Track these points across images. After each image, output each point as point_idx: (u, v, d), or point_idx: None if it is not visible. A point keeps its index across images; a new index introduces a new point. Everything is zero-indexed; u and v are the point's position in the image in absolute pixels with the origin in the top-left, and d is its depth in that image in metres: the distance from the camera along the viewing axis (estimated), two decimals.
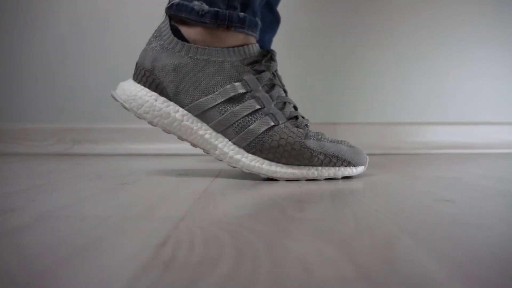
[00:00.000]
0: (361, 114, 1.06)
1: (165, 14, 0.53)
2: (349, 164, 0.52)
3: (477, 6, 1.07)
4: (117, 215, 0.32)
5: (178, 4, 0.52)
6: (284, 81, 1.09)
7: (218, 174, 0.57)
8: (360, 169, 0.53)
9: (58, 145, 1.02)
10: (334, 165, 0.51)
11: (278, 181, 0.50)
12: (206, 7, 0.51)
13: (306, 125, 0.53)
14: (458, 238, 0.26)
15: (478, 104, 1.08)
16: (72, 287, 0.18)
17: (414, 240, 0.25)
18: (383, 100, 1.06)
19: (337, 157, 0.51)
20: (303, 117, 0.54)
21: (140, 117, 0.51)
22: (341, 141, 0.53)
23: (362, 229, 0.27)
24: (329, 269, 0.20)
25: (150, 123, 0.51)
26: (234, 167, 0.51)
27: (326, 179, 0.52)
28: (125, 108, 0.52)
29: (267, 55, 0.53)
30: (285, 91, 0.55)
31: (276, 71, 0.54)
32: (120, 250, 0.23)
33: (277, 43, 1.10)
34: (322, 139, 0.52)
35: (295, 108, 0.55)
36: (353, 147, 0.53)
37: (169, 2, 0.53)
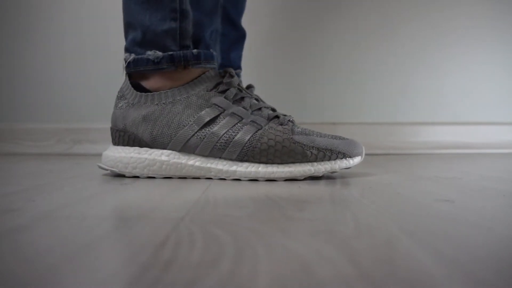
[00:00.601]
0: (361, 114, 1.06)
1: (124, 74, 0.57)
2: (345, 155, 0.51)
3: (477, 6, 1.07)
4: (117, 215, 0.32)
5: (134, 60, 0.55)
6: (284, 81, 1.09)
7: None
8: (357, 160, 0.52)
9: (58, 145, 1.02)
10: (329, 158, 0.50)
11: (277, 182, 0.50)
12: (159, 53, 0.53)
13: (289, 120, 0.53)
14: (458, 238, 0.26)
15: (478, 104, 1.08)
16: (72, 287, 0.18)
17: (414, 240, 0.25)
18: (383, 100, 1.06)
19: (331, 150, 0.50)
20: (284, 115, 0.54)
21: (131, 174, 0.53)
22: (332, 135, 0.53)
23: (362, 229, 0.27)
24: (329, 269, 0.20)
25: (142, 175, 0.53)
26: (235, 179, 0.51)
27: (325, 177, 0.52)
28: (115, 173, 0.54)
29: (225, 74, 0.55)
30: (257, 100, 0.56)
31: (239, 84, 0.56)
32: (120, 250, 0.23)
33: (277, 43, 1.10)
34: (311, 134, 0.52)
35: (273, 110, 0.55)
36: (346, 139, 0.52)
37: (125, 62, 0.56)
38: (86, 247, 0.24)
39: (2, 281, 0.19)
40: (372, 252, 0.23)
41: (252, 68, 1.00)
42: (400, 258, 0.22)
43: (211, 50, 0.57)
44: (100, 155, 0.97)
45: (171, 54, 0.53)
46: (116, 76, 1.03)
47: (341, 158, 0.51)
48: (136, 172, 0.53)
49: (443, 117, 1.07)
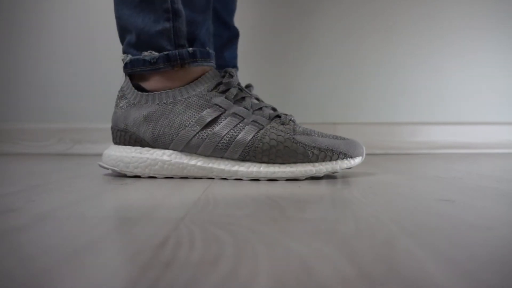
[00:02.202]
0: (361, 114, 1.06)
1: (124, 75, 0.57)
2: (346, 156, 0.51)
3: (477, 6, 1.07)
4: (117, 215, 0.32)
5: (131, 61, 0.55)
6: (284, 81, 1.09)
7: None
8: (358, 160, 0.52)
9: (58, 145, 1.02)
10: (330, 159, 0.51)
11: (278, 181, 0.50)
12: (156, 54, 0.54)
13: (291, 120, 0.54)
14: (458, 238, 0.26)
15: (478, 104, 1.08)
16: (72, 287, 0.18)
17: (414, 240, 0.25)
18: (383, 100, 1.06)
19: (332, 150, 0.51)
20: (285, 114, 0.55)
21: (132, 174, 0.53)
22: (333, 135, 0.53)
23: (362, 229, 0.27)
24: (329, 269, 0.20)
25: (144, 175, 0.53)
26: (237, 179, 0.52)
27: (325, 178, 0.52)
28: (116, 172, 0.54)
29: (225, 74, 0.56)
30: (257, 99, 0.56)
31: (239, 84, 0.56)
32: (120, 250, 0.23)
33: (276, 43, 1.10)
34: (312, 133, 0.52)
35: (274, 109, 0.56)
36: (347, 139, 0.53)
37: (123, 63, 0.56)
38: (86, 247, 0.24)
39: (2, 281, 0.19)
40: (372, 252, 0.23)
41: (252, 68, 1.00)
42: (400, 258, 0.22)
43: (207, 48, 0.57)
44: (100, 155, 0.97)
45: (167, 54, 0.54)
46: (116, 76, 1.03)
47: (342, 159, 0.51)
48: (138, 171, 0.53)
49: (443, 117, 1.07)
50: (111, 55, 1.02)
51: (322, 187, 0.46)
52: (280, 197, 0.39)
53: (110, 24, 1.09)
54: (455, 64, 1.07)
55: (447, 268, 0.20)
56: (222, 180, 0.51)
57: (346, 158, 0.51)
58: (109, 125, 1.03)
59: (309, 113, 1.05)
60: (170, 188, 0.45)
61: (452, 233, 0.26)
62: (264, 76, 1.03)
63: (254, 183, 0.50)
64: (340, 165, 0.51)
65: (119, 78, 1.04)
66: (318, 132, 0.53)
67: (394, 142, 1.03)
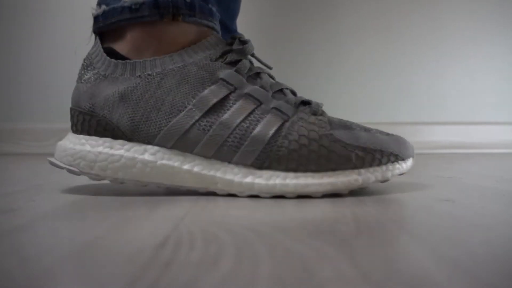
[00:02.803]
0: (361, 114, 1.06)
1: (94, 38, 0.43)
2: (397, 158, 0.38)
3: (477, 5, 1.07)
4: (117, 215, 0.32)
5: (104, 13, 0.41)
6: (283, 81, 1.09)
7: None
8: (409, 163, 0.40)
9: None
10: (380, 163, 0.37)
11: None
12: None
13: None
14: (458, 238, 0.26)
15: (478, 104, 1.08)
16: (72, 287, 0.18)
17: (414, 240, 0.25)
18: (383, 100, 1.06)
19: (381, 151, 0.37)
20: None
21: (98, 178, 0.39)
22: (375, 129, 0.40)
23: (362, 229, 0.27)
24: (329, 269, 0.20)
25: (115, 181, 0.38)
26: (251, 195, 0.38)
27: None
28: (74, 173, 0.39)
29: (233, 41, 0.41)
30: (272, 77, 0.42)
31: (253, 54, 0.42)
32: (120, 250, 0.23)
33: (275, 43, 1.10)
34: (352, 126, 0.39)
35: (293, 92, 0.42)
36: (392, 134, 0.40)
37: (94, 20, 0.42)
38: (86, 247, 0.24)
39: (2, 281, 0.19)
40: (372, 252, 0.23)
41: None
42: (400, 258, 0.22)
43: (209, 5, 0.42)
44: None
45: None
46: None
47: (393, 162, 0.38)
48: (107, 174, 0.38)
49: (443, 117, 1.07)
50: None
51: None
52: (280, 196, 0.39)
53: None
54: (455, 64, 1.07)
55: (447, 268, 0.20)
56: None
57: (398, 162, 0.38)
58: None
59: None
60: (170, 188, 0.45)
61: (452, 233, 0.26)
62: None
63: None
64: (391, 171, 0.38)
65: None
66: (356, 123, 0.40)
67: None
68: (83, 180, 0.51)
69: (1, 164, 0.75)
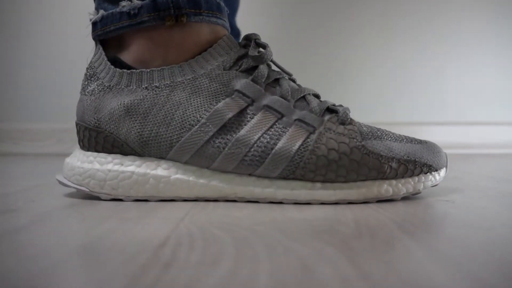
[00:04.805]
0: (361, 114, 1.06)
1: (94, 44, 0.40)
2: (430, 169, 0.36)
3: (477, 5, 1.07)
4: (117, 215, 0.32)
5: (102, 19, 0.38)
6: None
7: None
8: (443, 174, 0.38)
9: (58, 145, 1.02)
10: (412, 174, 0.36)
11: None
12: (137, 1, 0.36)
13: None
14: (458, 238, 0.26)
15: (478, 104, 1.08)
16: (72, 287, 0.18)
17: (414, 240, 0.25)
18: (382, 100, 1.06)
19: (414, 161, 0.35)
20: (340, 106, 0.38)
21: (109, 197, 0.36)
22: (405, 136, 0.38)
23: (362, 229, 0.27)
24: (329, 269, 0.20)
25: (128, 198, 0.36)
26: (272, 202, 0.36)
27: None
28: (85, 193, 0.37)
29: (247, 42, 0.37)
30: (293, 81, 0.39)
31: (272, 60, 0.38)
32: (120, 250, 0.23)
33: (274, 43, 1.10)
34: (383, 136, 0.36)
35: (316, 96, 0.38)
36: (424, 141, 0.38)
37: (92, 26, 0.40)
38: (86, 247, 0.24)
39: (2, 281, 0.19)
40: (372, 252, 0.23)
41: None
42: (400, 258, 0.22)
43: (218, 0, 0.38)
44: None
45: (154, 0, 0.36)
46: None
47: (426, 173, 0.36)
48: (118, 193, 0.36)
49: (443, 117, 1.07)
50: None
51: None
52: None
53: None
54: (455, 64, 1.07)
55: (447, 268, 0.20)
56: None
57: (431, 172, 0.36)
58: None
59: None
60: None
61: (452, 233, 0.26)
62: None
63: None
64: (424, 183, 0.36)
65: None
66: (386, 131, 0.37)
67: None
68: None
69: (1, 164, 0.75)
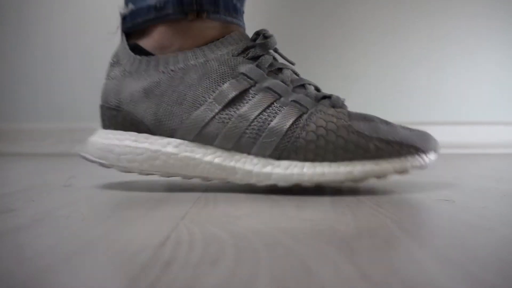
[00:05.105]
0: None
1: (120, 36, 0.45)
2: (418, 150, 0.38)
3: (477, 5, 1.07)
4: (117, 215, 0.32)
5: (132, 13, 0.43)
6: None
7: None
8: (432, 157, 0.39)
9: (58, 145, 1.02)
10: (399, 154, 0.37)
11: None
12: None
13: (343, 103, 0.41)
14: (458, 238, 0.26)
15: (478, 104, 1.08)
16: (72, 287, 0.18)
17: (414, 240, 0.25)
18: (382, 100, 1.06)
19: (401, 143, 0.37)
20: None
21: (126, 170, 0.41)
22: (399, 124, 0.40)
23: (362, 229, 0.27)
24: (329, 269, 0.20)
25: (142, 173, 0.40)
26: (269, 185, 0.39)
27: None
28: (104, 165, 0.41)
29: (257, 36, 0.42)
30: (296, 73, 0.43)
31: (276, 50, 0.43)
32: (120, 250, 0.23)
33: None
34: (373, 119, 0.39)
35: (317, 89, 0.43)
36: (416, 130, 0.40)
37: (121, 19, 0.44)
38: (86, 247, 0.24)
39: (2, 281, 0.19)
40: (372, 252, 0.23)
41: None
42: (400, 258, 0.22)
43: (233, 0, 0.43)
44: None
45: None
46: None
47: (414, 154, 0.38)
48: (133, 167, 0.40)
49: (443, 117, 1.07)
50: (111, 54, 1.02)
51: (322, 187, 0.46)
52: (280, 196, 0.39)
53: (109, 23, 1.09)
54: (454, 64, 1.07)
55: (447, 268, 0.20)
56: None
57: (418, 154, 0.38)
58: None
59: None
60: (170, 187, 0.45)
61: (452, 233, 0.26)
62: None
63: None
64: (411, 163, 0.38)
65: None
66: (379, 118, 0.40)
67: None
68: (83, 180, 0.51)
69: (1, 164, 0.75)
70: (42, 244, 0.24)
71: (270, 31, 0.42)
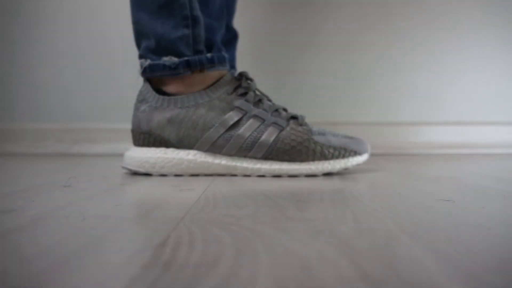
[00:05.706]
0: (361, 114, 1.06)
1: (143, 79, 0.59)
2: (356, 153, 0.57)
3: (477, 5, 1.07)
4: (117, 215, 0.32)
5: (150, 66, 0.57)
6: (284, 81, 1.09)
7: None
8: (365, 156, 0.58)
9: (58, 145, 1.02)
10: (343, 156, 0.56)
11: (278, 181, 0.50)
12: (175, 59, 0.56)
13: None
14: (458, 238, 0.26)
15: (478, 104, 1.08)
16: (72, 287, 0.18)
17: (414, 240, 0.25)
18: (383, 100, 1.06)
19: (345, 148, 0.56)
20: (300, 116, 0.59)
21: (158, 173, 0.56)
22: (342, 134, 0.58)
23: (362, 229, 0.27)
24: (329, 269, 0.20)
25: (170, 174, 0.56)
26: (260, 176, 0.56)
27: (324, 177, 0.52)
28: (140, 172, 0.56)
29: (241, 78, 0.59)
30: (270, 101, 0.60)
31: (256, 89, 0.59)
32: (120, 250, 0.23)
33: (274, 43, 1.10)
34: (326, 133, 0.57)
35: (285, 110, 0.59)
36: (354, 137, 0.58)
37: (141, 67, 0.58)
38: (86, 247, 0.24)
39: (2, 281, 0.19)
40: (372, 252, 0.23)
41: (251, 69, 1.00)
42: (400, 258, 0.22)
43: (223, 53, 0.60)
44: (100, 155, 0.97)
45: (187, 60, 0.56)
46: (115, 76, 1.03)
47: (353, 156, 0.57)
48: (164, 171, 0.56)
49: (443, 117, 1.07)
50: (110, 55, 1.02)
51: (322, 187, 0.46)
52: (280, 197, 0.39)
53: (110, 23, 1.09)
54: (455, 64, 1.07)
55: (447, 268, 0.20)
56: (222, 180, 0.52)
57: (356, 156, 0.57)
58: (108, 125, 1.03)
59: (309, 114, 1.05)
60: (170, 188, 0.45)
61: (452, 233, 0.26)
62: (262, 77, 1.03)
63: (254, 183, 0.50)
64: (351, 162, 0.57)
65: (119, 78, 1.04)
66: (329, 131, 0.58)
67: (394, 142, 1.03)
68: (83, 181, 0.51)
69: (1, 164, 0.75)
70: (42, 244, 0.24)
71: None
